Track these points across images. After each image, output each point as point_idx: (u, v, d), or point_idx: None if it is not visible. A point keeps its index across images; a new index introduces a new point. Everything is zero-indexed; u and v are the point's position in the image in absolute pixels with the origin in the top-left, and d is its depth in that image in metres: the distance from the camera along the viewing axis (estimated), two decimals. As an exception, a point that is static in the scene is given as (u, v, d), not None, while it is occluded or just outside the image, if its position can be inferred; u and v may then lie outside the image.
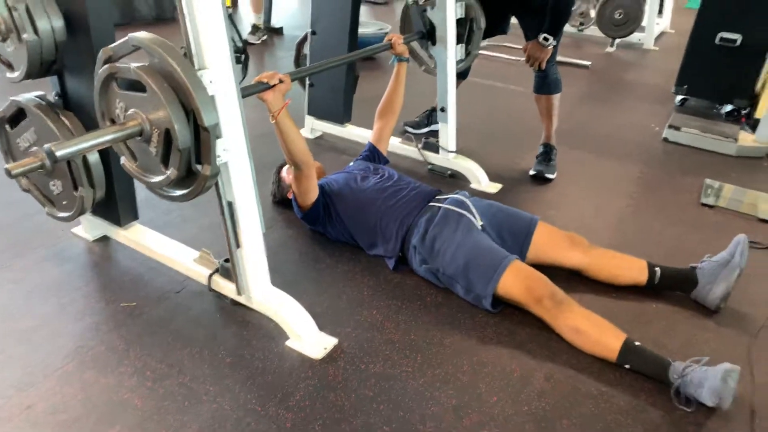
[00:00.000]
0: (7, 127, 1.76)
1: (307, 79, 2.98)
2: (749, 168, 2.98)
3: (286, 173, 2.24)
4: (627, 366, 1.55)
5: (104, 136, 1.32)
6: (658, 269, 1.85)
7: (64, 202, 1.80)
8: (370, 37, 4.60)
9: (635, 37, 5.48)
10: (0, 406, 1.39)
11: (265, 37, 5.07)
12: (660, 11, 5.86)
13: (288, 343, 1.62)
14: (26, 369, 1.50)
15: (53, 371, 1.50)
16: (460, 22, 2.57)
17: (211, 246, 1.81)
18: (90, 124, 1.68)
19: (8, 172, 1.27)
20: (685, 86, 3.77)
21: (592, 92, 4.22)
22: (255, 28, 5.02)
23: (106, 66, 1.39)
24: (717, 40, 3.51)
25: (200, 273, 1.78)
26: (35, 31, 1.53)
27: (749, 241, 1.83)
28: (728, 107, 3.69)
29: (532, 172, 2.73)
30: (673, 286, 1.87)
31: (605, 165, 2.95)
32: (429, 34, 2.53)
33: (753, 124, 3.33)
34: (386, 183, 2.03)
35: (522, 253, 1.88)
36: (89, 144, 1.30)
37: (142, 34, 1.31)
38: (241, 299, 1.71)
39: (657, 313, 1.82)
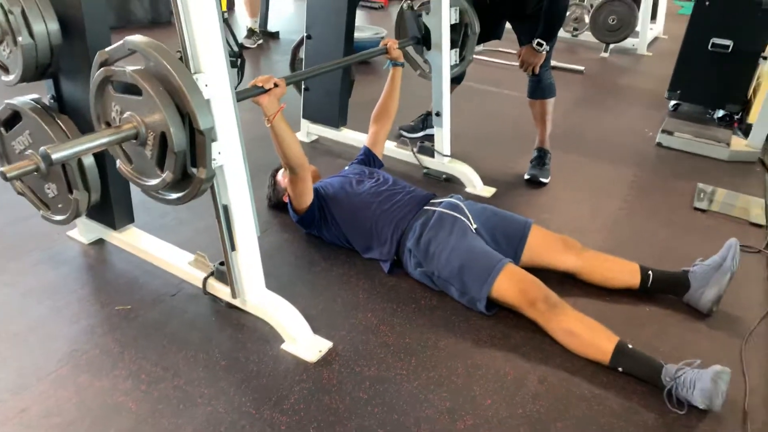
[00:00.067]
0: (2, 130, 1.76)
1: (302, 83, 2.99)
2: (741, 172, 3.00)
3: (282, 177, 2.24)
4: (620, 369, 1.56)
5: (100, 139, 1.33)
6: (650, 272, 1.87)
7: (59, 205, 1.80)
8: (366, 42, 4.62)
9: (629, 42, 5.51)
10: (-6, 410, 1.39)
11: (260, 41, 5.08)
12: (653, 17, 5.91)
13: (283, 346, 1.62)
14: (20, 372, 1.50)
15: (47, 374, 1.50)
16: (454, 28, 2.59)
17: (207, 249, 1.81)
18: (85, 127, 1.68)
19: (3, 175, 1.28)
20: (678, 91, 3.80)
21: (586, 97, 4.24)
22: (251, 32, 5.02)
23: (101, 69, 1.39)
24: (709, 46, 3.56)
25: (195, 276, 1.78)
26: (31, 34, 1.54)
27: (741, 245, 1.85)
28: (721, 112, 3.73)
29: (526, 176, 2.74)
30: (665, 290, 1.88)
31: (599, 169, 2.97)
32: (424, 39, 2.55)
33: (745, 129, 3.36)
34: (381, 187, 2.04)
35: (516, 257, 1.89)
36: (85, 147, 1.31)
37: (137, 38, 1.32)
38: (236, 302, 1.71)
39: (649, 316, 1.83)
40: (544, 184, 2.72)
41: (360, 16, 6.65)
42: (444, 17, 2.45)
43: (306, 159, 1.89)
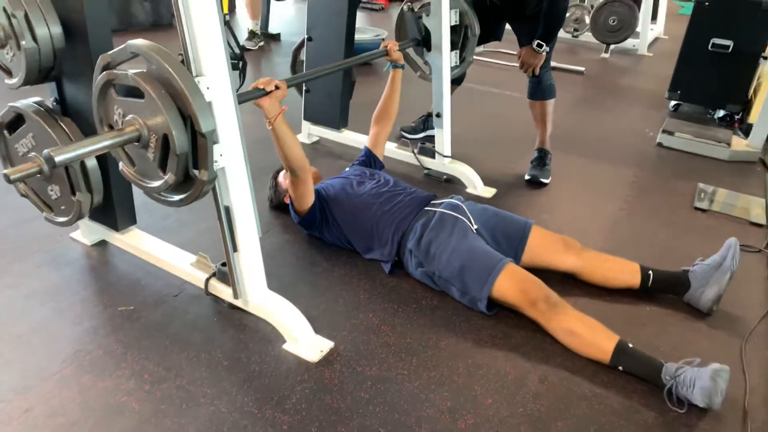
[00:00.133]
0: (6, 132, 1.77)
1: (303, 84, 3.01)
2: (742, 172, 3.01)
3: (283, 178, 2.25)
4: (620, 368, 1.57)
5: (103, 142, 1.34)
6: (651, 272, 1.87)
7: (62, 207, 1.81)
8: (367, 44, 4.63)
9: (629, 43, 5.52)
10: (-2, 410, 1.40)
11: (262, 43, 5.10)
12: (654, 17, 5.92)
13: (285, 346, 1.63)
14: (24, 373, 1.51)
15: (51, 375, 1.51)
16: (454, 29, 2.60)
17: (208, 250, 1.82)
18: (88, 130, 1.69)
19: (7, 177, 1.29)
20: (679, 92, 3.81)
21: (586, 98, 4.25)
22: (252, 34, 5.04)
23: (104, 73, 1.40)
24: (709, 46, 3.56)
25: (197, 277, 1.80)
26: (34, 38, 1.55)
27: (741, 244, 1.85)
28: (721, 112, 3.74)
29: (526, 177, 2.75)
30: (665, 289, 1.89)
31: (599, 169, 2.97)
32: (424, 41, 2.56)
33: (746, 129, 3.37)
34: (382, 188, 2.05)
35: (516, 257, 1.89)
36: (88, 150, 1.32)
37: (140, 42, 1.33)
38: (238, 303, 1.72)
39: (650, 315, 1.84)
40: (545, 184, 2.73)
41: (360, 17, 6.66)
42: (444, 18, 2.46)
43: (307, 161, 1.90)
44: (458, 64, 2.75)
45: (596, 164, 3.03)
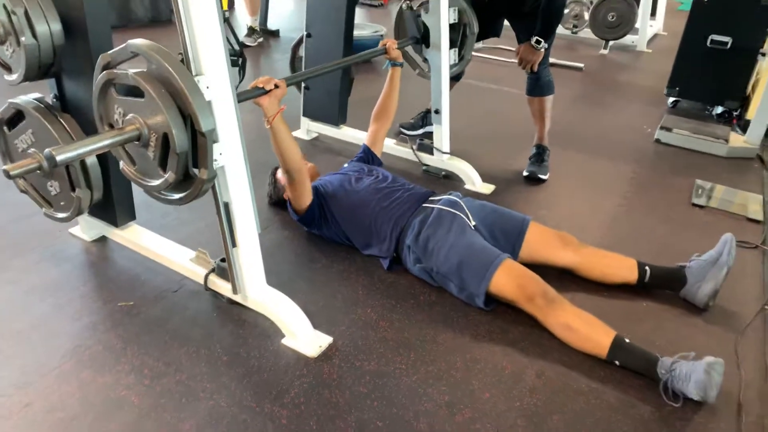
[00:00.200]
0: (5, 128, 1.78)
1: (302, 81, 3.01)
2: (740, 169, 3.01)
3: (282, 175, 2.26)
4: (617, 362, 1.58)
5: (103, 141, 1.35)
6: (648, 268, 1.88)
7: (61, 203, 1.82)
8: (366, 40, 4.63)
9: (628, 39, 5.52)
10: (-1, 404, 1.41)
11: (261, 40, 5.09)
12: (653, 13, 5.91)
13: (283, 341, 1.64)
14: (24, 368, 1.52)
15: (51, 370, 1.52)
16: (453, 27, 2.60)
17: (208, 246, 1.83)
18: (87, 127, 1.70)
19: (6, 173, 1.30)
20: (677, 88, 3.82)
21: (585, 94, 4.26)
22: (251, 31, 5.04)
23: (104, 72, 1.41)
24: (708, 43, 3.56)
25: (197, 273, 1.80)
26: (33, 34, 1.55)
27: (738, 240, 1.86)
28: (719, 109, 3.74)
29: (525, 173, 2.76)
30: (662, 285, 1.90)
31: (598, 166, 2.98)
32: (423, 38, 2.57)
33: (744, 126, 3.37)
34: (380, 184, 2.05)
35: (514, 253, 1.90)
36: (89, 149, 1.33)
37: (140, 41, 1.34)
38: (238, 298, 1.73)
39: (647, 311, 1.85)
40: (543, 180, 2.73)
41: (359, 14, 6.66)
42: (443, 15, 2.46)
43: (303, 163, 1.91)
44: (457, 62, 2.76)
45: (594, 160, 3.04)
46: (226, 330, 1.69)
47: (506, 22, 2.85)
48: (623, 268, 1.90)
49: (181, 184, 1.44)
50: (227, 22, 1.88)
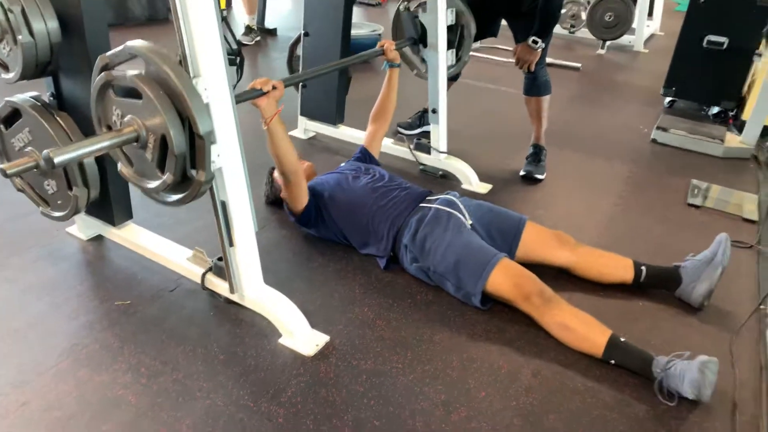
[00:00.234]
0: (2, 127, 1.78)
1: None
2: (735, 169, 3.03)
3: (278, 176, 2.26)
4: (612, 361, 1.58)
5: (102, 143, 1.35)
6: (643, 268, 1.89)
7: (58, 202, 1.82)
8: (363, 39, 4.63)
9: (625, 39, 5.53)
10: (-5, 403, 1.41)
11: (258, 38, 5.09)
12: (650, 14, 5.93)
13: (280, 340, 1.65)
14: (21, 367, 1.52)
15: (48, 369, 1.52)
16: (451, 29, 2.61)
17: (205, 245, 1.83)
18: (84, 125, 1.70)
19: (3, 172, 1.30)
20: (674, 88, 3.83)
21: (582, 94, 4.26)
22: (248, 29, 5.04)
23: (102, 74, 1.41)
24: (704, 43, 3.58)
25: (194, 272, 1.81)
26: (30, 32, 1.55)
27: (734, 240, 1.87)
28: (715, 109, 3.76)
29: (521, 173, 2.76)
30: (658, 285, 1.91)
31: (594, 165, 2.99)
32: (421, 38, 2.57)
33: (740, 126, 3.38)
34: (377, 183, 2.06)
35: (511, 252, 1.91)
36: (87, 150, 1.33)
37: (138, 43, 1.34)
38: (235, 297, 1.73)
39: (643, 310, 1.86)
40: (540, 180, 2.74)
41: (357, 12, 6.66)
42: (440, 14, 2.47)
43: (299, 165, 1.91)
44: (454, 63, 2.77)
45: (591, 160, 3.05)
46: (223, 329, 1.69)
47: (504, 22, 2.85)
48: (619, 268, 1.91)
49: (179, 185, 1.44)
50: (225, 20, 1.88)
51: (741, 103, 3.63)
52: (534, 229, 1.95)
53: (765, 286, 2.00)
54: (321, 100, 2.99)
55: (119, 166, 1.52)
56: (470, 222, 1.92)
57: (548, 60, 2.88)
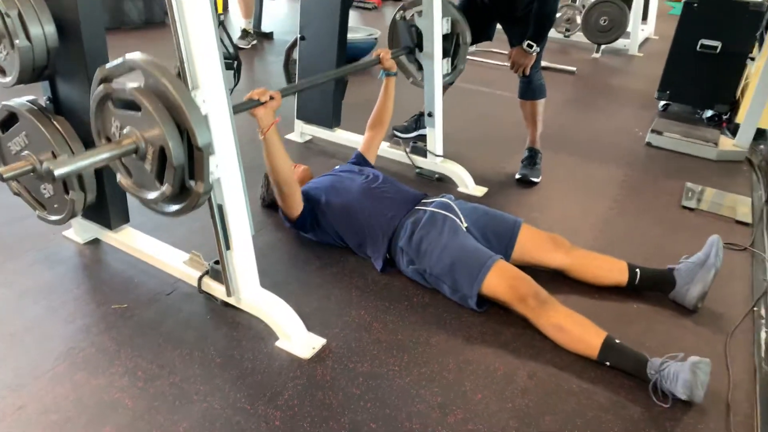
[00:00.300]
0: (-1, 131, 1.78)
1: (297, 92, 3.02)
2: (729, 172, 3.05)
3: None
4: (607, 363, 1.59)
5: (101, 155, 1.36)
6: (638, 270, 1.90)
7: (55, 206, 1.82)
8: (360, 43, 4.65)
9: (620, 43, 5.57)
10: (-8, 407, 1.41)
11: (254, 42, 5.10)
12: (644, 18, 5.97)
13: (277, 343, 1.65)
14: (18, 370, 1.52)
15: (44, 372, 1.52)
16: (446, 37, 2.64)
17: (201, 248, 1.84)
18: (81, 128, 1.70)
19: (0, 176, 1.30)
20: (668, 92, 3.86)
21: (577, 97, 4.29)
22: (245, 33, 5.05)
23: (102, 86, 1.42)
24: (698, 47, 3.61)
25: (190, 275, 1.81)
26: (27, 37, 1.55)
27: (728, 243, 1.89)
28: (709, 112, 3.79)
29: (517, 176, 2.78)
30: (652, 287, 1.92)
31: (589, 168, 3.01)
32: (417, 44, 2.59)
33: (733, 129, 3.41)
34: (372, 184, 2.07)
35: (506, 255, 1.92)
36: (87, 162, 1.34)
37: (137, 56, 1.35)
38: (231, 300, 1.74)
39: (637, 313, 1.87)
40: (535, 183, 2.76)
41: (353, 16, 6.68)
42: (436, 18, 2.48)
43: (293, 176, 1.94)
44: (450, 71, 2.79)
45: (586, 163, 3.06)
46: (219, 332, 1.69)
47: (499, 26, 2.87)
48: (614, 270, 1.92)
49: (178, 196, 1.45)
50: (222, 25, 1.89)
51: (734, 106, 3.66)
52: (529, 232, 1.96)
53: (758, 288, 2.02)
54: (317, 104, 3.00)
55: (118, 176, 1.54)
56: (465, 225, 1.93)
57: (543, 64, 2.91)
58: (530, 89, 2.78)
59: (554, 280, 1.95)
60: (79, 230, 2.07)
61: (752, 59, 3.60)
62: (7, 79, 1.66)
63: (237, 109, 1.62)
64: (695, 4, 3.58)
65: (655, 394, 1.50)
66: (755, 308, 1.91)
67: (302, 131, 3.12)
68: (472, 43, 2.81)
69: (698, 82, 3.70)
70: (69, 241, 2.08)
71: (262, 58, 4.90)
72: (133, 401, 1.44)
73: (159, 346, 1.62)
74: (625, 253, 2.02)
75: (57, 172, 1.25)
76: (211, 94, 1.41)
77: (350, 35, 3.06)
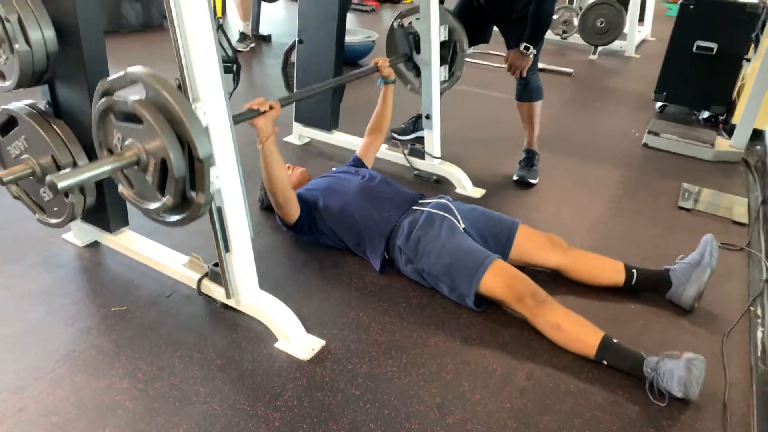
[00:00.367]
0: (-1, 135, 1.79)
1: (294, 86, 3.03)
2: (726, 172, 3.07)
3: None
4: (605, 362, 1.60)
5: (104, 167, 1.38)
6: (634, 271, 1.92)
7: (54, 209, 1.83)
8: (357, 45, 4.66)
9: (617, 44, 5.60)
10: (-8, 409, 1.42)
11: (253, 45, 5.11)
12: (641, 19, 6.00)
13: (277, 345, 1.66)
14: (18, 373, 1.53)
15: (45, 374, 1.52)
16: (443, 45, 2.66)
17: (200, 251, 1.84)
18: (80, 132, 1.71)
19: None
20: (665, 93, 3.88)
21: (574, 99, 4.31)
22: (243, 36, 5.06)
23: (103, 99, 1.43)
24: (694, 49, 3.62)
25: (190, 277, 1.82)
26: (27, 41, 1.56)
27: (724, 243, 1.90)
28: (706, 113, 3.80)
29: (515, 178, 2.79)
30: (649, 288, 1.93)
31: (587, 170, 3.02)
32: (415, 45, 2.60)
33: (729, 130, 3.43)
34: (369, 184, 2.08)
35: (504, 255, 1.93)
36: (90, 175, 1.36)
37: (138, 69, 1.37)
38: (231, 302, 1.74)
39: (634, 313, 1.88)
40: (533, 184, 2.77)
41: (351, 19, 6.69)
42: (433, 19, 2.50)
43: (290, 184, 1.94)
44: (447, 78, 2.81)
45: (584, 165, 3.08)
46: (219, 334, 1.70)
47: (496, 28, 2.89)
48: (611, 271, 1.93)
49: (179, 206, 1.47)
50: (221, 28, 1.90)
51: (731, 107, 3.68)
52: (527, 232, 1.98)
53: (755, 288, 2.03)
54: (315, 107, 3.01)
55: (120, 187, 1.55)
56: (463, 225, 1.94)
57: (540, 65, 2.92)
58: (527, 91, 2.80)
59: (551, 280, 1.97)
60: (79, 233, 2.07)
61: (748, 60, 3.61)
62: (7, 84, 1.67)
63: (237, 120, 1.64)
64: (691, 6, 3.61)
65: (652, 392, 1.51)
66: (752, 308, 1.92)
67: (300, 134, 3.13)
68: (469, 46, 2.82)
69: (695, 83, 3.71)
70: (68, 244, 2.09)
71: (260, 61, 4.91)
72: (133, 403, 1.45)
73: (159, 348, 1.63)
74: (622, 254, 2.03)
75: (60, 185, 1.27)
76: (211, 105, 1.43)
77: (348, 38, 3.08)
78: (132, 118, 1.39)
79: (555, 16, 5.67)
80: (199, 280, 1.79)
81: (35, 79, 1.66)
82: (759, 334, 1.80)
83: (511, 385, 1.56)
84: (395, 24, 2.71)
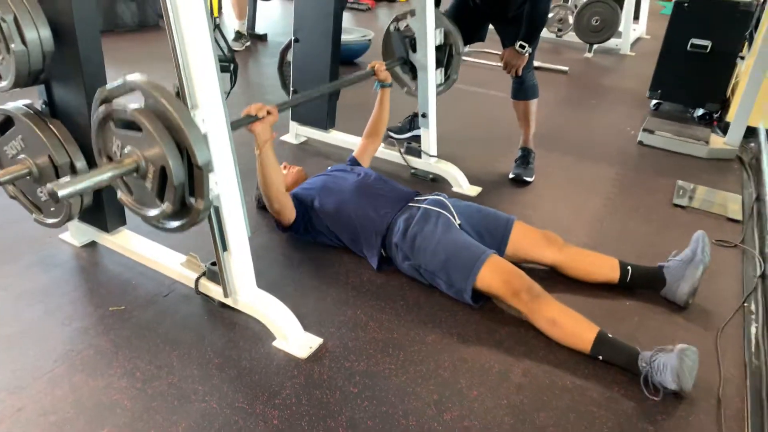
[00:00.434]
0: (-5, 135, 1.78)
1: (291, 86, 3.03)
2: (720, 170, 3.08)
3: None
4: (600, 357, 1.62)
5: (103, 175, 1.39)
6: (629, 268, 1.93)
7: (51, 209, 1.83)
8: (353, 44, 4.66)
9: (612, 42, 5.61)
10: (-9, 409, 1.42)
11: (248, 44, 5.11)
12: (636, 17, 6.02)
13: (274, 343, 1.67)
14: (16, 372, 1.53)
15: (43, 374, 1.53)
16: (439, 48, 2.67)
17: (198, 250, 1.85)
18: (77, 132, 1.71)
19: (-3, 180, 1.31)
20: (659, 91, 3.89)
21: (570, 97, 4.32)
22: (239, 35, 5.05)
23: (102, 107, 1.44)
24: (689, 47, 3.64)
25: (187, 276, 1.82)
26: (23, 41, 1.56)
27: (719, 239, 1.91)
28: (700, 111, 3.82)
29: (511, 176, 2.80)
30: (643, 284, 1.94)
31: (582, 167, 3.03)
32: (411, 47, 2.61)
33: (724, 127, 3.45)
34: (365, 181, 2.09)
35: (500, 251, 1.94)
36: (90, 183, 1.37)
37: (137, 77, 1.38)
38: (228, 301, 1.75)
39: (629, 309, 1.90)
40: (529, 182, 2.78)
41: (347, 17, 6.69)
42: (429, 18, 2.50)
43: (284, 191, 1.96)
44: (443, 81, 2.82)
45: (579, 162, 3.09)
46: (217, 333, 1.70)
47: (491, 27, 2.89)
48: (606, 268, 1.95)
49: (178, 213, 1.47)
50: (218, 28, 1.90)
51: (725, 105, 3.70)
52: (522, 229, 1.99)
53: (749, 284, 2.05)
54: (312, 106, 3.01)
55: (119, 194, 1.56)
56: (459, 222, 1.95)
57: (536, 64, 2.92)
58: (523, 89, 2.81)
59: (547, 277, 1.98)
60: (76, 233, 2.07)
61: (742, 58, 3.64)
62: (3, 84, 1.67)
63: (235, 126, 1.65)
64: (686, 4, 3.62)
65: (647, 387, 1.52)
66: (746, 304, 1.94)
67: (297, 133, 3.13)
68: (464, 44, 2.83)
69: (689, 81, 3.73)
70: (66, 244, 2.09)
71: (256, 60, 4.91)
72: (132, 402, 1.45)
73: (157, 347, 1.64)
74: (617, 251, 2.04)
75: (61, 194, 1.29)
76: (210, 112, 1.44)
77: (344, 36, 3.08)
78: (131, 125, 1.40)
79: (550, 14, 5.69)
80: (197, 280, 1.79)
81: (31, 78, 1.66)
82: (753, 330, 1.81)
83: (508, 381, 1.57)
84: (391, 27, 2.72)
